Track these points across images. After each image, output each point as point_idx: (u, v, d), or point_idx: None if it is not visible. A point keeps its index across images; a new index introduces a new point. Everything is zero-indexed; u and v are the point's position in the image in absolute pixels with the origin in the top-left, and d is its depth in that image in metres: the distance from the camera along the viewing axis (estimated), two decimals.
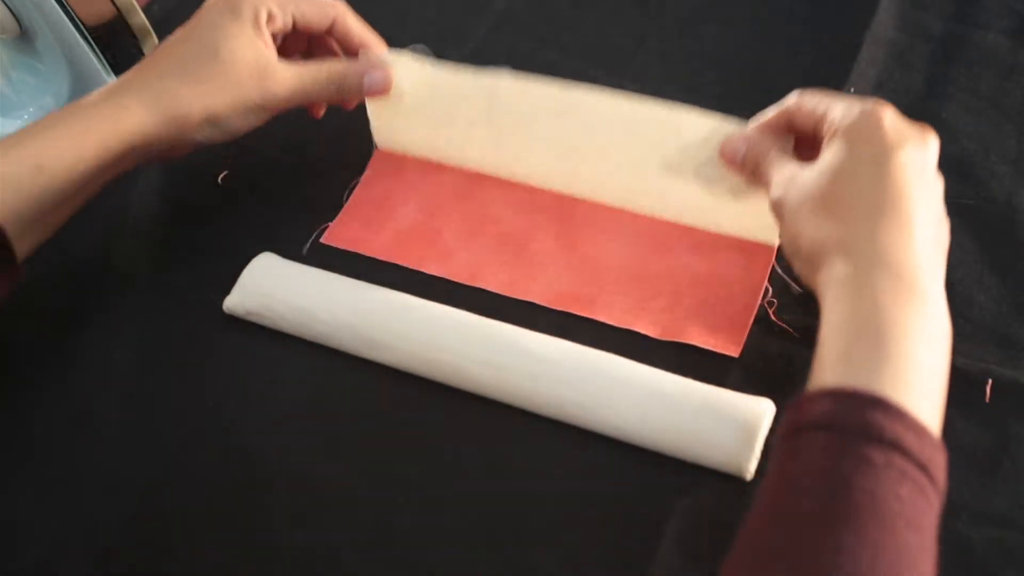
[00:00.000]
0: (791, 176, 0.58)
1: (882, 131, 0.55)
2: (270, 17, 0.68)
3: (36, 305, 0.67)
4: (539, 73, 0.67)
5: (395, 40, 0.82)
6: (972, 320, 0.64)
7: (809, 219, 0.55)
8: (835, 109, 0.58)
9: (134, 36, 0.74)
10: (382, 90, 0.70)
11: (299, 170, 0.74)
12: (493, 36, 0.83)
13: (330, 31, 0.71)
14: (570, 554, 0.55)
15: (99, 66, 0.72)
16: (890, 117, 0.56)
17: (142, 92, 0.64)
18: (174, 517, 0.57)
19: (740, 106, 0.77)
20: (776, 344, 0.62)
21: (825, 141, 0.57)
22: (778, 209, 0.58)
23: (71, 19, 0.70)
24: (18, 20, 0.71)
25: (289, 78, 0.68)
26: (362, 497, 0.57)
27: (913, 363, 0.49)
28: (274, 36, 0.69)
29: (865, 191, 0.54)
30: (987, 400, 0.60)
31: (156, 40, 0.76)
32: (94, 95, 0.65)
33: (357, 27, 0.72)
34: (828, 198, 0.55)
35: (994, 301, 0.65)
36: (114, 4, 0.73)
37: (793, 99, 0.61)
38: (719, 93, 0.78)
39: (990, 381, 0.60)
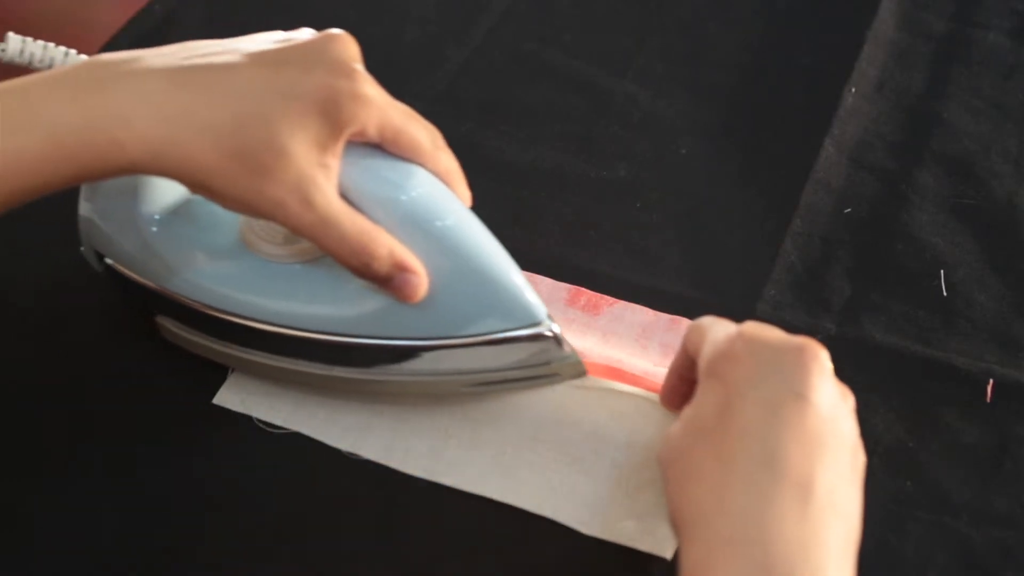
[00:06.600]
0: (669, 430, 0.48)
1: (737, 365, 0.45)
2: (361, 132, 0.50)
3: (36, 303, 0.67)
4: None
5: (396, 40, 0.83)
6: (972, 320, 0.64)
7: (667, 485, 0.46)
8: (705, 344, 0.47)
9: None
10: (407, 296, 0.52)
11: None
12: (493, 36, 0.82)
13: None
14: (570, 554, 0.55)
15: None
16: (744, 343, 0.46)
17: (157, 108, 0.47)
18: (174, 518, 0.57)
19: (741, 106, 0.77)
20: None
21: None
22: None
23: None
24: None
25: (318, 213, 0.49)
26: (363, 496, 0.57)
27: None
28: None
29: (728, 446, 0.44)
30: (988, 400, 0.60)
31: None
32: (67, 77, 0.48)
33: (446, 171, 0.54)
34: (682, 458, 0.45)
35: (995, 301, 0.65)
36: None
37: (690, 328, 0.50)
38: (720, 93, 0.78)
39: (991, 381, 0.60)
